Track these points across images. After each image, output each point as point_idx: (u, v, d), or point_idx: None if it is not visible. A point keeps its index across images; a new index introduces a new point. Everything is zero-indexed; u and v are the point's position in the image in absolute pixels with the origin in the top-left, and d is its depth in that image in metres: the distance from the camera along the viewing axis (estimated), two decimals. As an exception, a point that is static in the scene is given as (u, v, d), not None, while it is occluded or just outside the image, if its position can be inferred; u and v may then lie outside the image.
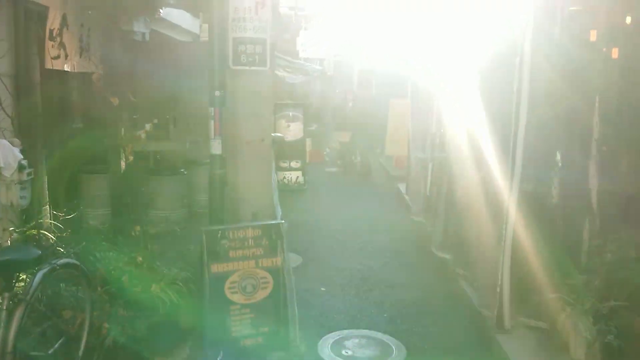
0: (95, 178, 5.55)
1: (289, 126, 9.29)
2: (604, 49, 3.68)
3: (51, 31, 5.97)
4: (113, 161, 5.55)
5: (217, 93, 3.70)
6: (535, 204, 3.79)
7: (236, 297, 3.48)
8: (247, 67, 3.99)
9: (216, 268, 3.44)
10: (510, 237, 3.70)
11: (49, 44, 6.03)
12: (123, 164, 4.95)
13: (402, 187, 8.77)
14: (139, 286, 3.39)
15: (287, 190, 9.25)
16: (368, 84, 23.16)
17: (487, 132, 4.23)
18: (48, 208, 4.58)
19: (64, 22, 6.22)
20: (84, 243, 3.70)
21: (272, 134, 5.40)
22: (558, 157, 3.83)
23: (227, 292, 3.46)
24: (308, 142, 13.89)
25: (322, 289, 4.82)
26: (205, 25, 14.04)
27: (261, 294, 3.54)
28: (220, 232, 3.47)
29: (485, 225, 4.16)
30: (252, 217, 4.14)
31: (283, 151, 9.33)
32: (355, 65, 35.91)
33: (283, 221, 3.67)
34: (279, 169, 9.37)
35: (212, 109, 3.72)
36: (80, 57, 6.26)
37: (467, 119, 4.74)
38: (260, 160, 4.15)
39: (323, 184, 10.14)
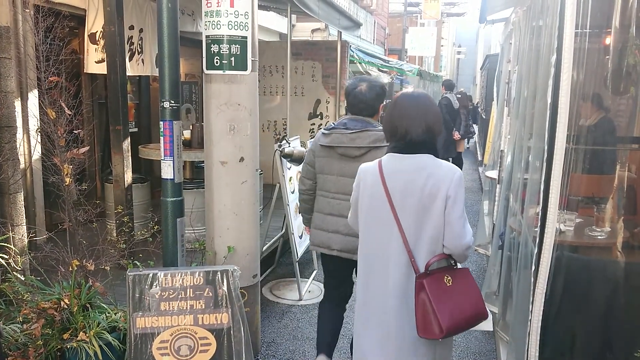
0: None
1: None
2: None
3: (93, 35, 5.75)
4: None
5: (166, 104, 3.02)
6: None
7: (167, 360, 2.79)
8: (220, 72, 3.29)
9: (142, 322, 2.78)
10: (541, 299, 2.58)
11: (91, 47, 5.83)
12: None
13: (486, 206, 7.54)
14: (55, 338, 2.84)
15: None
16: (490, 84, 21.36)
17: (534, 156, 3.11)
18: None
19: (106, 24, 5.90)
20: None
21: (291, 148, 4.67)
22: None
23: (156, 353, 2.78)
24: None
25: (330, 338, 3.96)
26: (300, 24, 13.62)
27: (200, 359, 2.82)
28: (150, 277, 2.80)
29: (524, 277, 3.06)
30: (227, 251, 3.45)
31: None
32: (479, 64, 33.92)
33: (235, 267, 2.90)
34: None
35: (162, 123, 3.04)
36: (130, 60, 5.99)
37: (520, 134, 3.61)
38: (238, 184, 3.43)
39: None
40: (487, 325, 4.08)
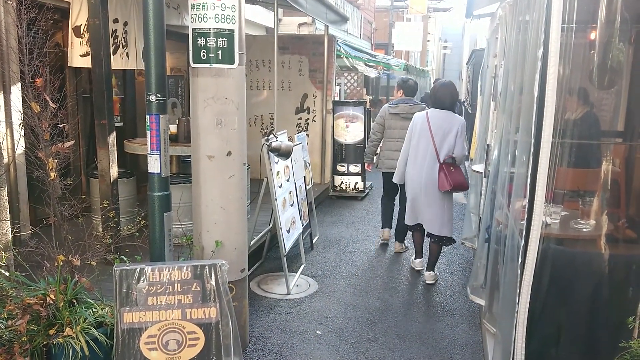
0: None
1: (347, 127, 8.41)
2: None
3: (77, 28, 5.66)
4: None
5: (152, 98, 2.99)
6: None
7: (155, 356, 2.77)
8: (207, 65, 3.26)
9: (130, 317, 2.76)
10: (527, 291, 2.59)
11: (75, 41, 5.74)
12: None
13: (472, 200, 7.58)
14: (41, 334, 2.81)
15: (342, 198, 8.44)
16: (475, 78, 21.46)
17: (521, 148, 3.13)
18: None
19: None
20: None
21: (278, 142, 4.65)
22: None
23: (144, 348, 2.76)
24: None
25: (318, 332, 3.97)
26: (287, 19, 13.53)
27: (188, 353, 2.81)
28: (137, 272, 2.78)
29: (511, 270, 3.08)
30: (215, 246, 3.43)
31: (341, 154, 8.52)
32: (464, 59, 34.05)
33: (223, 261, 2.89)
34: (336, 173, 8.58)
35: (148, 116, 3.02)
36: (115, 54, 5.90)
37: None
38: (225, 178, 3.41)
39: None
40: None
